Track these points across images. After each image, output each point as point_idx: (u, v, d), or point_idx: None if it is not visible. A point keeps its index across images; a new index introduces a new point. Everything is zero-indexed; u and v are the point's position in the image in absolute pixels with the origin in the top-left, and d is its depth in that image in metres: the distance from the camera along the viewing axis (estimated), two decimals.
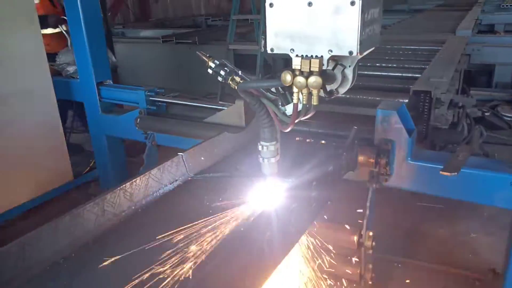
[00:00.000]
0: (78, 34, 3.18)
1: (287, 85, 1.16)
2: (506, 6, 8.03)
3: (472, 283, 2.45)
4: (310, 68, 1.13)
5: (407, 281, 2.47)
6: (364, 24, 1.11)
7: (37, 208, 3.42)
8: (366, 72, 3.15)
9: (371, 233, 1.95)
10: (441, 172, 1.66)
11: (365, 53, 1.20)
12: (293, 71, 1.15)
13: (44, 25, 3.62)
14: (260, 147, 1.29)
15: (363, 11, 1.09)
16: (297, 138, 1.88)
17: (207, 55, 1.31)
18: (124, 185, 1.27)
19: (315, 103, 1.16)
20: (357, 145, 1.79)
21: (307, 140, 1.85)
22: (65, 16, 3.34)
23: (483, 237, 2.81)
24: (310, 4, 1.12)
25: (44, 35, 3.49)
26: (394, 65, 3.30)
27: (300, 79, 1.13)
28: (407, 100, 2.36)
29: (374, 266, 2.01)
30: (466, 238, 2.83)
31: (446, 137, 2.43)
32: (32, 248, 1.06)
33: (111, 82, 3.36)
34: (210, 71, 1.29)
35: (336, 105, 2.44)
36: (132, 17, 12.97)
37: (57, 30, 3.80)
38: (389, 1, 12.45)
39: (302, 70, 1.13)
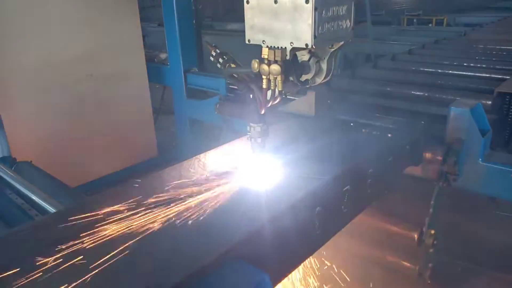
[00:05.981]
0: (171, 24, 3.48)
1: (255, 71, 1.31)
2: None
3: None
4: (274, 58, 1.26)
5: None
6: (321, 20, 1.23)
7: (123, 179, 3.83)
8: (450, 72, 3.02)
9: (432, 231, 1.93)
10: None
11: (337, 47, 1.34)
12: (262, 59, 1.29)
13: None
14: (248, 128, 1.42)
15: (318, 9, 1.21)
16: (363, 130, 1.92)
17: (213, 44, 1.49)
18: (199, 155, 1.46)
19: (279, 89, 1.30)
20: (423, 141, 1.78)
21: (373, 133, 1.88)
22: None
23: None
24: (276, 1, 1.26)
25: None
26: (484, 66, 3.11)
27: (264, 67, 1.28)
28: (490, 102, 2.25)
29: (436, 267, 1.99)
30: None
31: None
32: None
33: (197, 70, 3.64)
34: (211, 58, 1.46)
35: (413, 103, 2.40)
36: (222, 9, 13.46)
37: None
38: None
39: (269, 59, 1.27)
